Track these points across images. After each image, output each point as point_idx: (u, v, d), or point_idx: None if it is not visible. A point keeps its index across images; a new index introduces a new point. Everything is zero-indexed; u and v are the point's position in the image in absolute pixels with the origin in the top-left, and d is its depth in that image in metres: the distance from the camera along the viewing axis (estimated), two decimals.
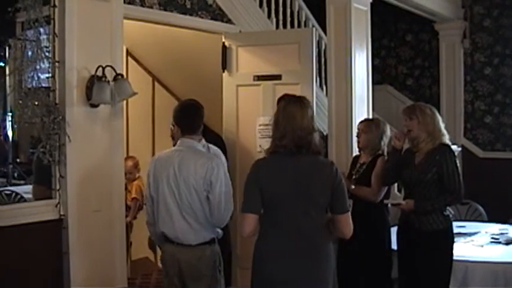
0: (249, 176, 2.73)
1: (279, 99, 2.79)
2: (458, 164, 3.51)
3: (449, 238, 3.49)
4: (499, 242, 4.08)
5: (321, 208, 2.70)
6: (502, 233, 4.33)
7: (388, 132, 4.06)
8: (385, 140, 4.04)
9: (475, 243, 4.09)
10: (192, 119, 3.22)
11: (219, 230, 3.17)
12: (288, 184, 2.65)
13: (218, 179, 3.05)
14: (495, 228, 4.55)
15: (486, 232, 4.40)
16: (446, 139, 3.59)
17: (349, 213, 2.72)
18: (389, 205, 3.77)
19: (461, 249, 3.89)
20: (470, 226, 4.67)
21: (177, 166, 3.09)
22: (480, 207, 5.38)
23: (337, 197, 2.68)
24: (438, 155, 3.47)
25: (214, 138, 4.35)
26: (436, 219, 3.45)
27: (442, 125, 3.60)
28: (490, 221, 5.06)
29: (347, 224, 2.71)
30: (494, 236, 4.24)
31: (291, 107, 2.72)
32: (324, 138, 5.48)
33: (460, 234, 4.32)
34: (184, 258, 3.11)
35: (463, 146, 6.66)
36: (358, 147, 4.14)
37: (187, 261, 3.11)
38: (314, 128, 2.71)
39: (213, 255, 3.14)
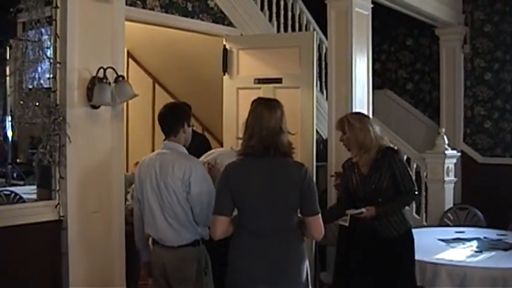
0: (220, 180, 2.78)
1: (252, 102, 2.81)
2: (405, 162, 3.49)
3: (412, 237, 3.54)
4: (498, 248, 4.08)
5: (291, 209, 2.71)
6: (500, 239, 4.34)
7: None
8: None
9: (474, 248, 4.09)
10: (169, 121, 3.22)
11: (204, 232, 3.13)
12: (256, 186, 2.68)
13: (197, 179, 3.07)
14: (494, 233, 4.55)
15: (485, 237, 4.40)
16: (385, 142, 3.56)
17: (319, 215, 2.71)
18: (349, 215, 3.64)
19: (460, 255, 3.91)
20: (469, 231, 4.67)
21: (158, 168, 3.12)
22: (479, 213, 5.38)
23: (306, 199, 2.68)
24: (386, 161, 3.45)
25: (197, 138, 4.37)
26: (399, 222, 3.49)
27: (375, 132, 3.52)
28: (488, 226, 5.06)
29: (317, 226, 2.70)
30: (492, 242, 4.24)
31: (260, 108, 2.76)
32: (324, 142, 5.49)
33: (459, 239, 4.33)
34: (168, 259, 3.14)
35: (462, 151, 6.65)
36: None
37: (171, 262, 3.13)
38: (282, 129, 2.72)
39: (197, 257, 3.13)
